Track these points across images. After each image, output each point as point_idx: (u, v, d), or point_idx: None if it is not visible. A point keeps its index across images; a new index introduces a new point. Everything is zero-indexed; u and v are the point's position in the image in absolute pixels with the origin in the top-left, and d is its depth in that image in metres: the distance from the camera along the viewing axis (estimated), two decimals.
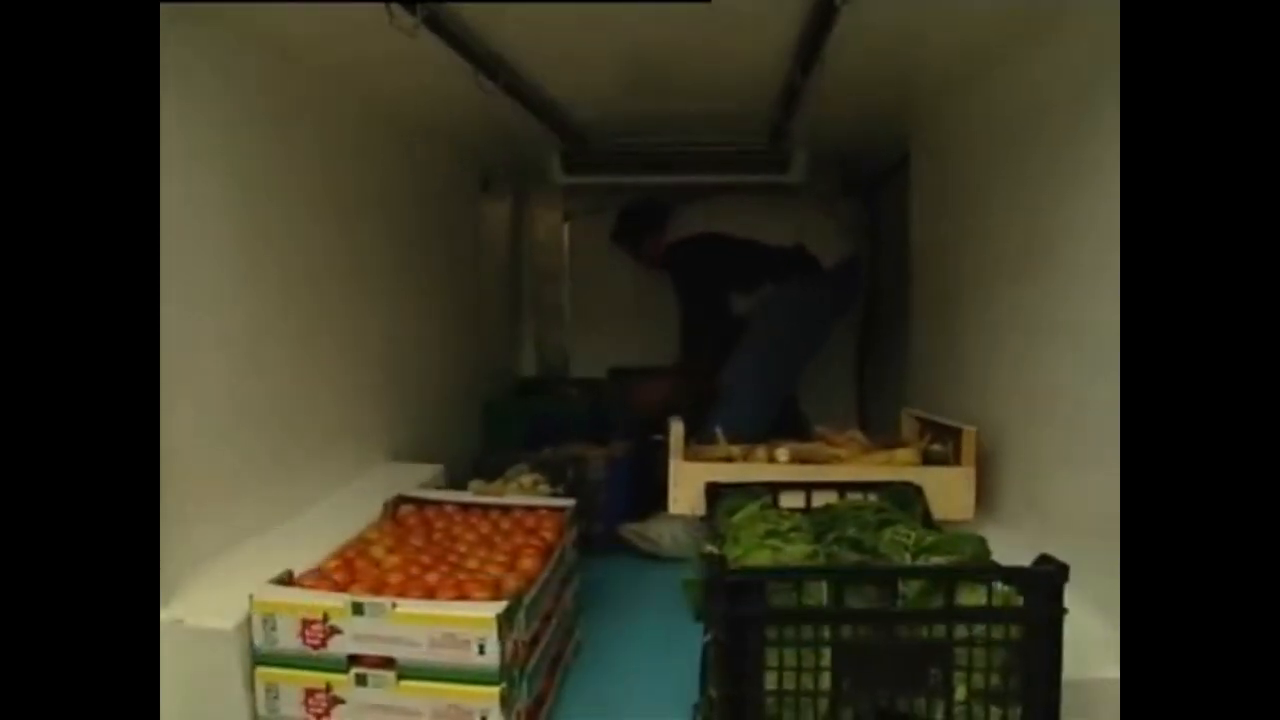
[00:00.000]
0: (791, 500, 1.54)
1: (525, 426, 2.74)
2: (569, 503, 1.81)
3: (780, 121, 2.28)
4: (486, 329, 3.07)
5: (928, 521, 1.44)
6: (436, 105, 2.11)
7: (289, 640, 1.24)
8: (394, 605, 1.23)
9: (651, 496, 2.37)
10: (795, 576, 1.01)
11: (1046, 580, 1.02)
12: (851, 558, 1.12)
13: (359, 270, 2.02)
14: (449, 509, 1.78)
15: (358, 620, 1.23)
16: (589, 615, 1.80)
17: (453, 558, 1.52)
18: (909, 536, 1.17)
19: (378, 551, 1.52)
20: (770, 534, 1.20)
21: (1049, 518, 1.51)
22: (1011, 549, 1.22)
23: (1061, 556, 1.05)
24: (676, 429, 1.76)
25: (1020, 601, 1.03)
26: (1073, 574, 1.05)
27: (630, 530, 2.30)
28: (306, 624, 1.23)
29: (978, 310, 1.86)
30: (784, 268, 2.53)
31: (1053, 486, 1.50)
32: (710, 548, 1.21)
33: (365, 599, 1.25)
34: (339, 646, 1.23)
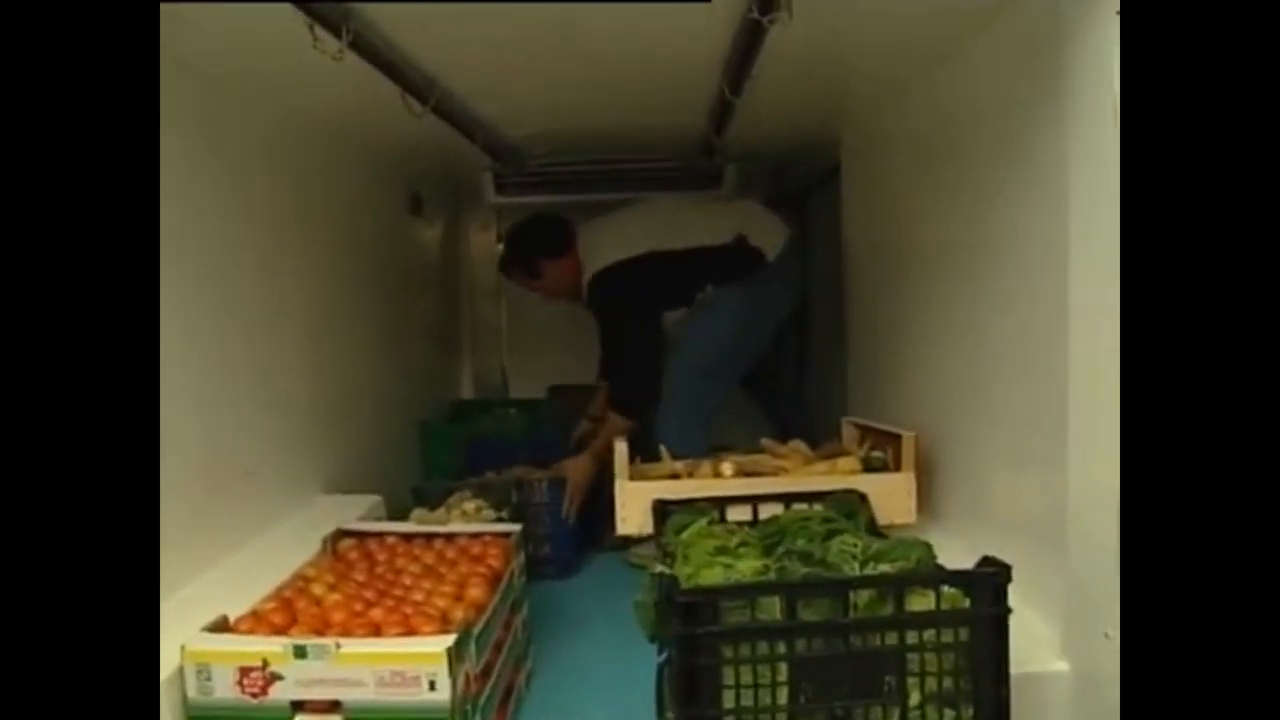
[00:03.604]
0: (738, 514, 1.55)
1: (464, 450, 2.69)
2: (515, 528, 1.78)
3: (711, 137, 2.31)
4: (420, 352, 3.01)
5: (873, 528, 1.47)
6: (362, 125, 2.07)
7: (226, 690, 1.18)
8: (338, 646, 1.19)
9: (598, 516, 2.36)
10: (750, 594, 1.01)
11: (991, 581, 1.04)
12: (803, 570, 1.13)
13: (280, 295, 1.94)
14: (391, 540, 1.74)
15: (300, 664, 1.18)
16: (540, 642, 1.77)
17: (398, 591, 1.48)
18: (856, 545, 1.18)
19: (318, 589, 1.47)
20: (720, 550, 1.20)
21: (989, 519, 1.55)
22: (954, 551, 1.25)
23: (1000, 555, 1.08)
24: (620, 449, 1.75)
25: (966, 603, 1.05)
26: (1012, 572, 1.08)
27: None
28: (244, 672, 1.18)
29: (916, 315, 1.89)
30: (726, 267, 2.35)
31: (993, 488, 1.54)
32: (661, 567, 1.20)
33: (307, 641, 1.20)
34: (281, 693, 1.18)
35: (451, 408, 3.21)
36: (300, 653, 1.18)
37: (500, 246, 3.25)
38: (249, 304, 1.79)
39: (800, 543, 1.25)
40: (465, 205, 3.42)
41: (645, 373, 2.36)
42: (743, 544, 1.27)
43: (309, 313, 2.08)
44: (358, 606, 1.39)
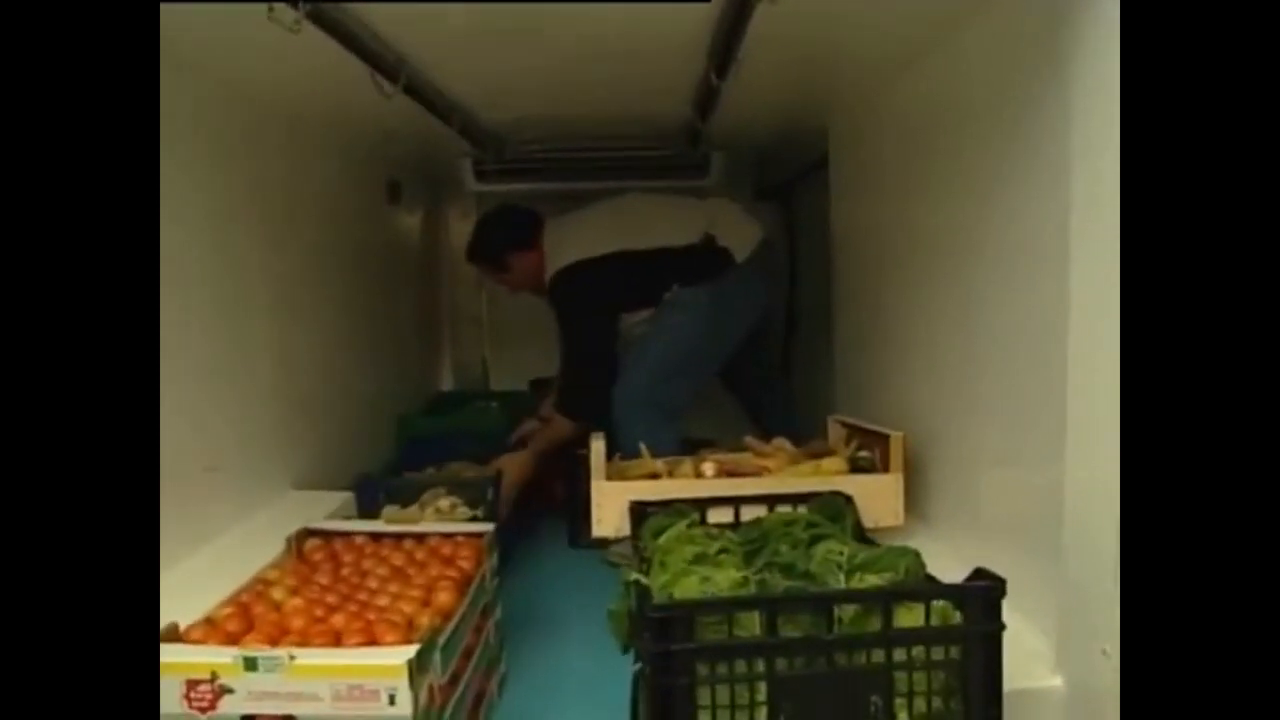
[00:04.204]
0: (720, 515, 1.49)
1: (442, 445, 2.61)
2: (488, 527, 1.71)
3: (697, 124, 2.24)
4: (399, 344, 2.94)
5: (859, 531, 1.41)
6: (333, 108, 1.99)
7: (171, 705, 1.11)
8: (292, 657, 1.12)
9: (574, 514, 2.29)
10: (728, 609, 0.95)
11: (984, 596, 0.98)
12: (784, 583, 1.07)
13: (246, 282, 1.86)
14: (359, 540, 1.66)
15: (251, 677, 1.11)
16: (515, 645, 1.71)
17: (362, 595, 1.41)
18: (841, 554, 1.12)
19: (278, 593, 1.40)
20: (698, 558, 1.14)
21: (980, 522, 1.49)
22: (943, 556, 1.20)
23: (992, 560, 1.03)
24: (597, 446, 1.69)
25: (958, 618, 0.99)
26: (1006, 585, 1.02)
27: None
28: (191, 685, 1.11)
29: (907, 310, 1.83)
30: (692, 267, 2.26)
31: (985, 490, 1.48)
32: (635, 575, 1.14)
33: (259, 652, 1.13)
34: (230, 707, 1.11)
35: (431, 400, 3.14)
36: (251, 664, 1.11)
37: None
38: (210, 289, 1.70)
39: (783, 550, 1.19)
40: (445, 193, 3.35)
41: (595, 377, 2.27)
42: (723, 550, 1.21)
43: (277, 301, 2.00)
44: (319, 612, 1.31)
